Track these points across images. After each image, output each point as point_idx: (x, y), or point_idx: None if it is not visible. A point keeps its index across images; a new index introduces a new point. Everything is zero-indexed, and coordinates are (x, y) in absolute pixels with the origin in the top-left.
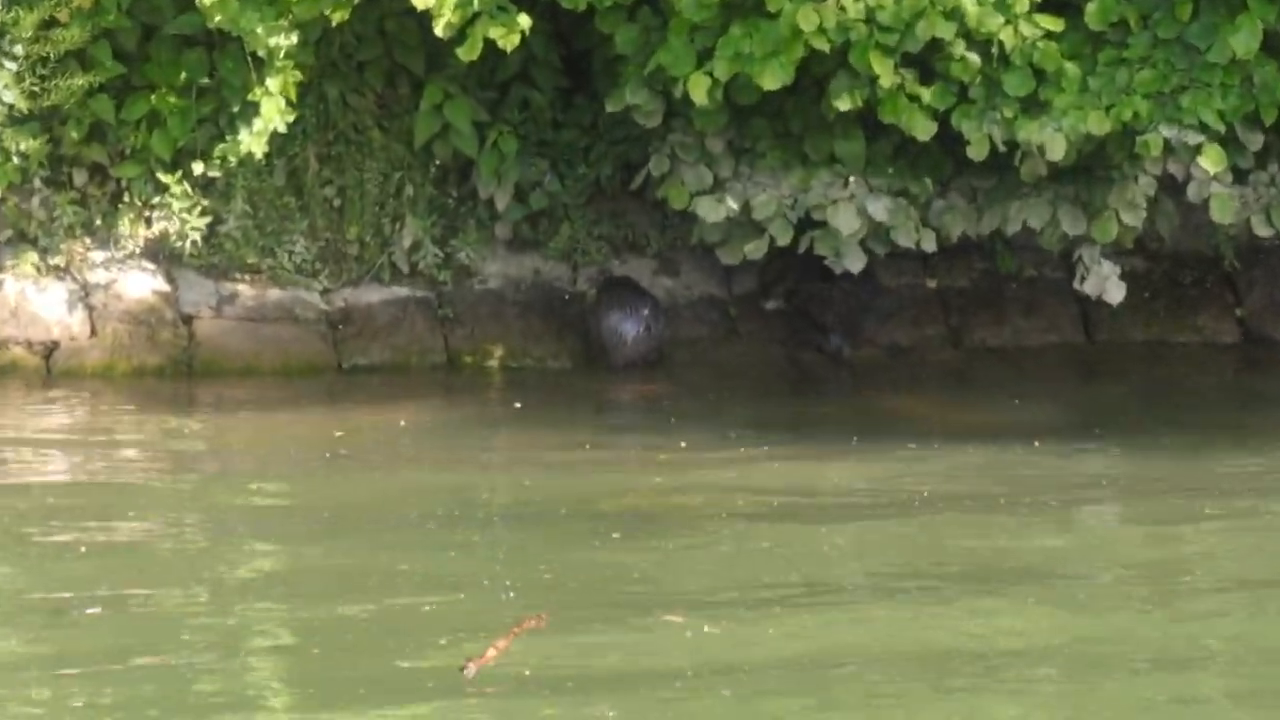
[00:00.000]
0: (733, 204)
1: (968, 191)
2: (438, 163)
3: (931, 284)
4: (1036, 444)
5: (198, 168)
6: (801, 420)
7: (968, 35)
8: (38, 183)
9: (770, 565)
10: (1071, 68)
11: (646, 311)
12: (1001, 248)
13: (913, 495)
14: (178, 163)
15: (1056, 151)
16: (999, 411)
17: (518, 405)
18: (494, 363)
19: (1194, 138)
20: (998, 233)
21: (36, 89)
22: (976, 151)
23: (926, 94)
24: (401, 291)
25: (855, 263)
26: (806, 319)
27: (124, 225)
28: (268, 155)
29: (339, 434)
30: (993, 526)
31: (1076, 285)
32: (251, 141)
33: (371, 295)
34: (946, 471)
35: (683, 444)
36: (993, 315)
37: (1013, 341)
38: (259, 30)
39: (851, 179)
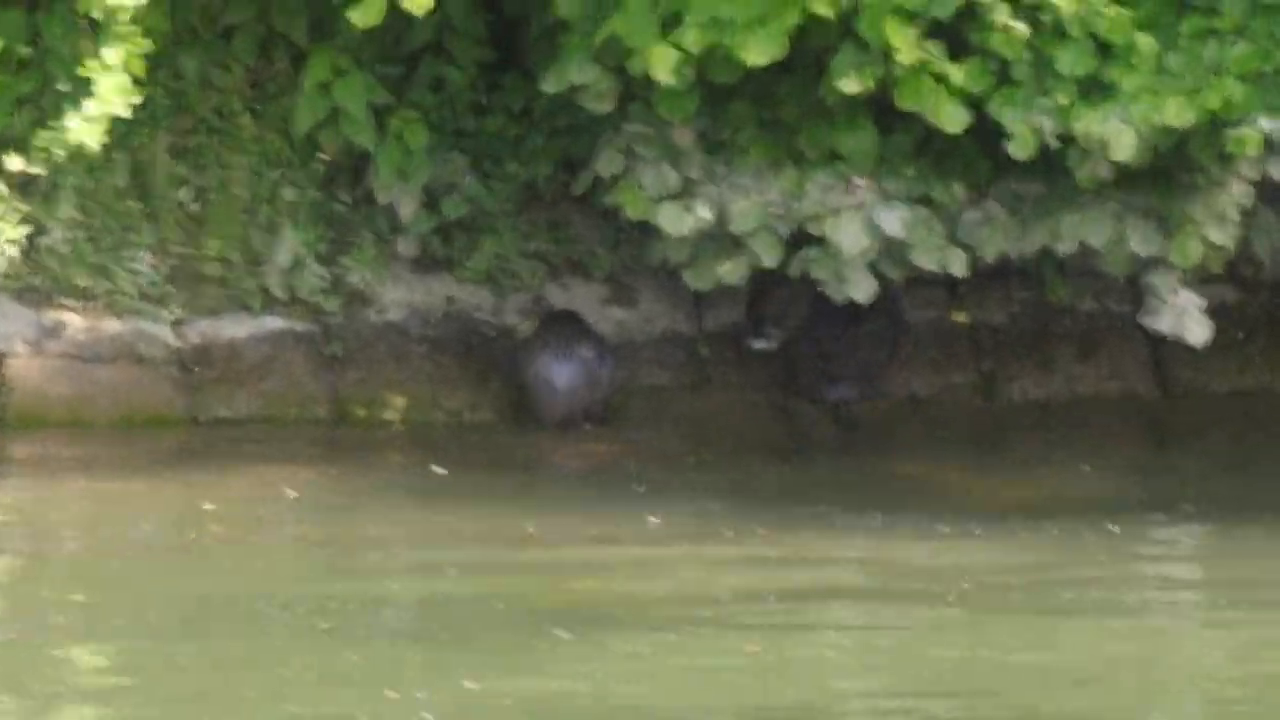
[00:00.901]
0: (705, 213)
1: (1009, 200)
2: (324, 158)
3: (961, 318)
4: (1110, 526)
5: (13, 163)
6: (799, 491)
7: None
8: None
9: (761, 683)
10: (1145, 41)
11: (590, 353)
12: (1051, 273)
13: (947, 591)
14: None
15: (1124, 149)
16: (1051, 483)
17: (440, 471)
18: (394, 416)
19: None
20: (1047, 253)
21: None
22: (1021, 148)
23: (957, 74)
24: (276, 324)
25: (862, 290)
26: (800, 363)
27: None
28: (105, 147)
29: (208, 506)
30: (1054, 634)
31: (1147, 322)
32: (84, 129)
33: (237, 328)
34: (991, 560)
35: (652, 519)
36: (1038, 359)
37: (1064, 393)
38: None
39: (859, 182)
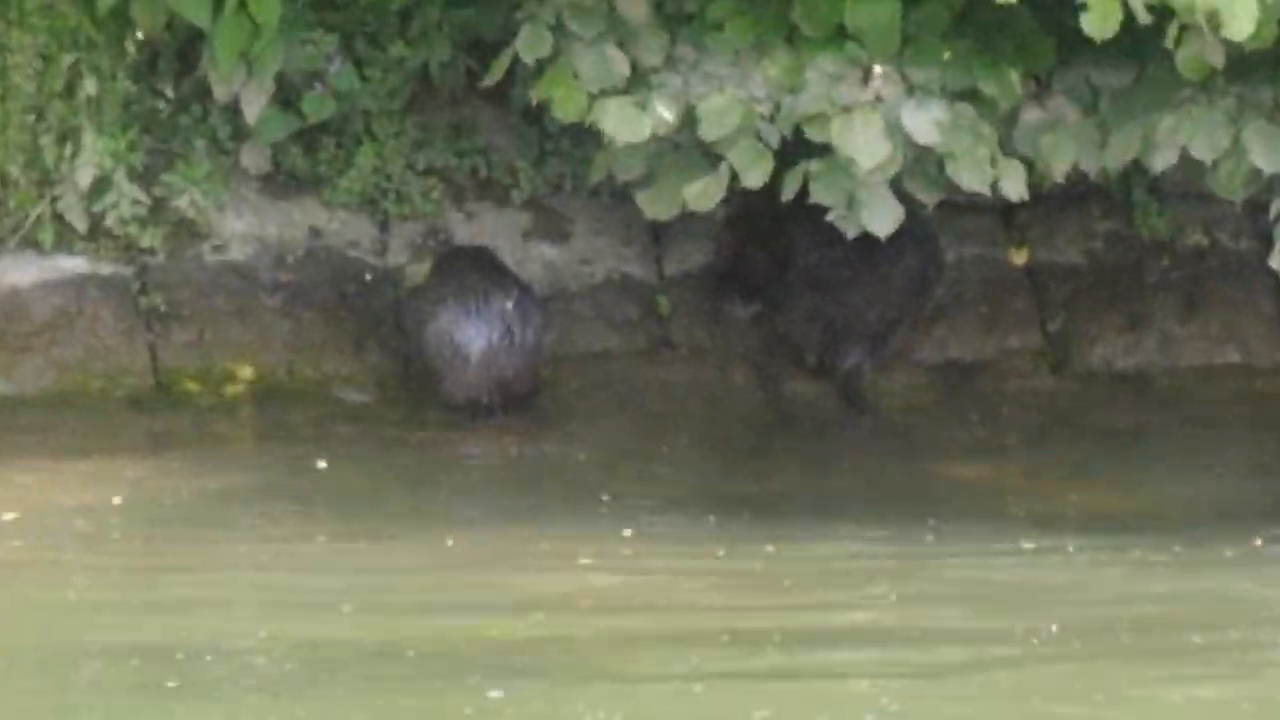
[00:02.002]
0: (665, 113)
1: (1083, 95)
2: (140, 38)
3: (1019, 259)
4: (1250, 542)
5: None
6: (808, 495)
7: None
8: None
9: None
10: None
11: (510, 306)
12: (1143, 196)
13: (1031, 632)
14: None
15: (1243, 23)
16: (1148, 485)
17: (321, 465)
18: (238, 392)
19: None
20: (1136, 169)
21: None
22: (1099, 24)
23: None
24: (74, 266)
25: (883, 219)
26: (797, 319)
27: None
28: None
29: (9, 516)
30: (1187, 689)
31: (1274, 264)
32: None
33: (20, 273)
34: (1097, 589)
35: (626, 533)
36: (1124, 315)
37: (1161, 361)
38: None
39: (877, 70)
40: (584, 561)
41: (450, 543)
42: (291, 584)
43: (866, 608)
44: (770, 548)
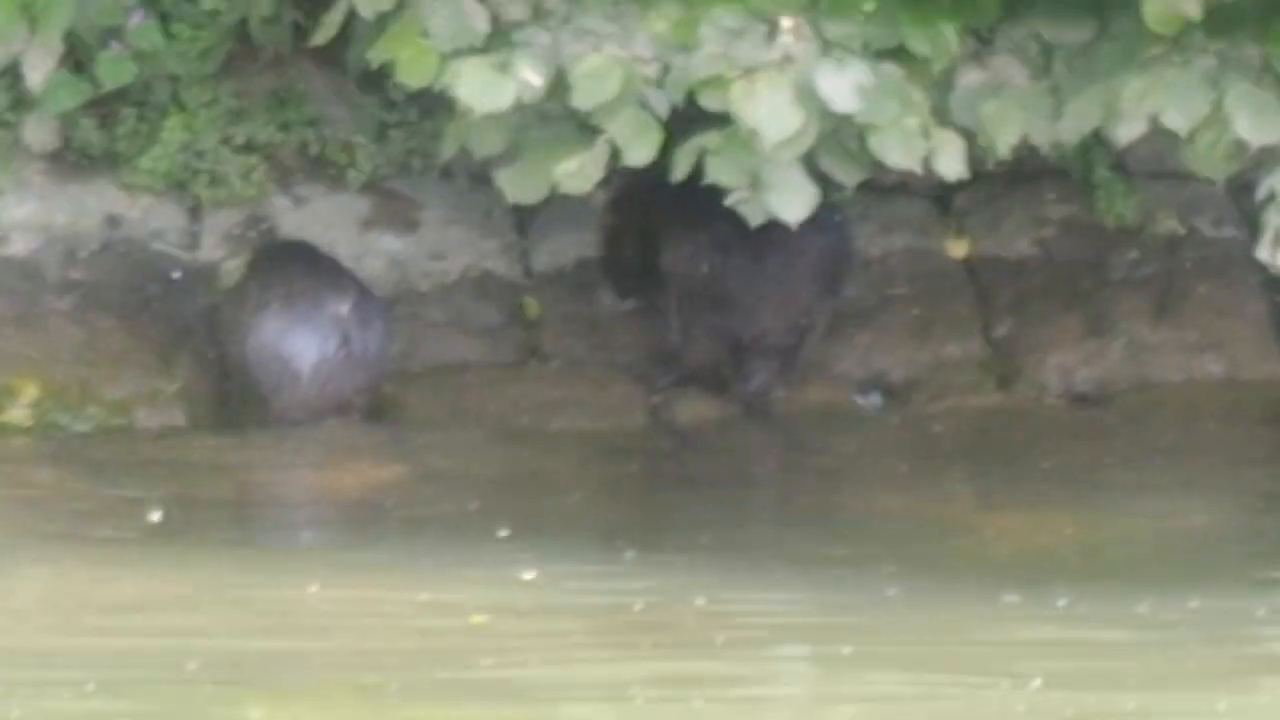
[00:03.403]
0: (531, 77)
1: (1034, 54)
2: None
3: (959, 251)
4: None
5: None
6: (726, 533)
7: None
8: None
9: None
10: None
11: (346, 310)
12: (1105, 175)
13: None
14: None
15: None
16: (1127, 522)
17: (154, 519)
18: (21, 417)
19: None
20: (1098, 141)
21: None
22: None
23: None
24: None
25: (795, 203)
26: (690, 327)
27: None
28: None
29: None
30: None
31: (1264, 256)
32: None
33: None
34: (1086, 654)
35: (527, 576)
36: (1087, 320)
37: (1128, 374)
38: None
39: (785, 23)
40: (467, 610)
41: (314, 589)
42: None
43: (823, 668)
44: (700, 600)
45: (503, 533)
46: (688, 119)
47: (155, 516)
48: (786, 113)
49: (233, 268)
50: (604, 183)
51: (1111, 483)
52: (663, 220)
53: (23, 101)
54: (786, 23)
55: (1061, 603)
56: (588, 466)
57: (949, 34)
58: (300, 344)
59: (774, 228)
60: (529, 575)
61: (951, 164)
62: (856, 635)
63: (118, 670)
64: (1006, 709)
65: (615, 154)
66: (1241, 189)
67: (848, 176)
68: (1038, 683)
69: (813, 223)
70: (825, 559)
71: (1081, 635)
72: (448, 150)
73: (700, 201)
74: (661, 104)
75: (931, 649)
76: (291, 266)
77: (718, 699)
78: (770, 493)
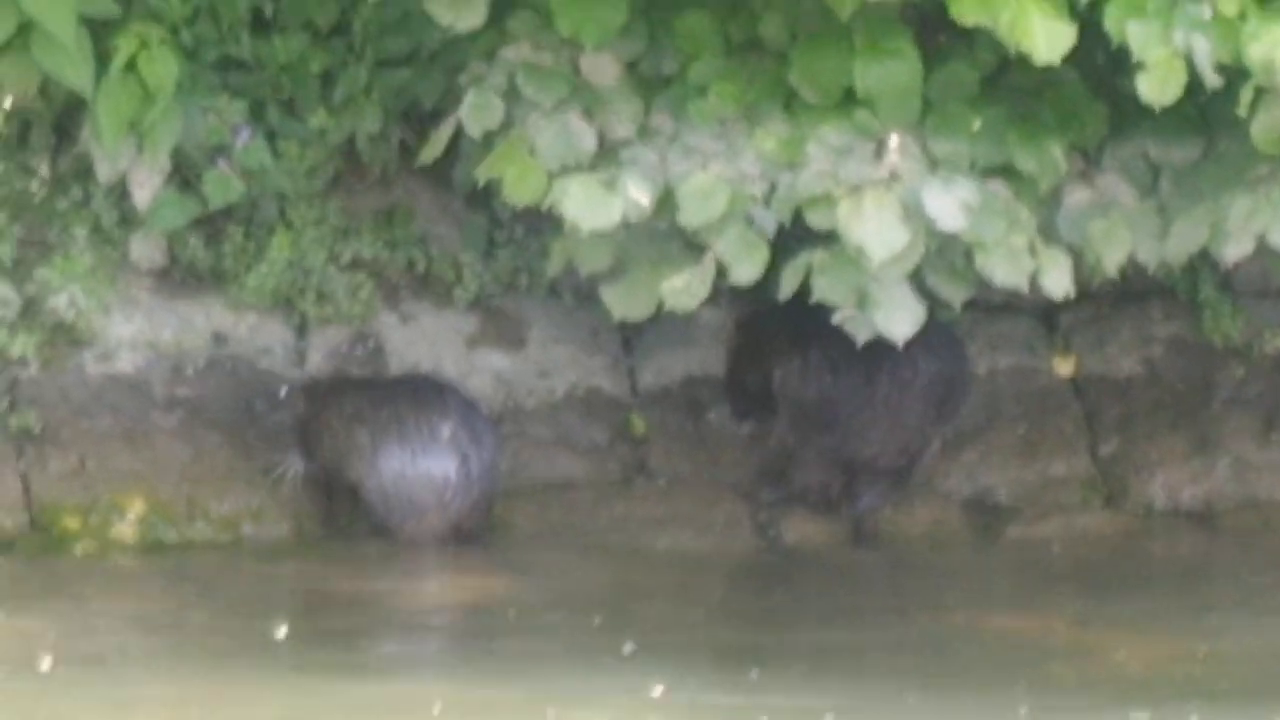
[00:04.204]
0: (638, 195)
1: (1141, 173)
2: (7, 106)
3: (1065, 369)
4: None
5: None
6: (846, 656)
7: None
8: None
9: None
10: None
11: (456, 429)
12: (1212, 293)
13: None
14: None
15: None
16: (1238, 639)
17: (279, 635)
18: (127, 533)
19: None
20: (1204, 261)
21: None
22: (1158, 89)
23: None
24: None
25: (902, 321)
26: (799, 447)
27: None
28: None
29: None
30: None
31: None
32: None
33: None
34: None
35: (657, 688)
36: (1190, 438)
37: (1234, 492)
38: None
39: (892, 141)
40: None
41: (437, 711)
42: None
43: None
44: (828, 716)
45: (628, 648)
46: (794, 237)
47: (280, 633)
48: (893, 230)
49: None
50: (711, 301)
51: (1222, 601)
52: (777, 339)
53: (130, 219)
54: (893, 141)
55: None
56: (697, 585)
57: (1056, 152)
58: (423, 474)
59: (887, 349)
60: (657, 691)
61: (1058, 282)
62: None
63: None
64: None
65: (721, 273)
66: None
67: (954, 295)
68: None
69: (926, 344)
70: (948, 680)
71: None
72: (554, 267)
73: (814, 321)
74: (768, 222)
75: None
76: (397, 393)
77: None
78: (883, 614)
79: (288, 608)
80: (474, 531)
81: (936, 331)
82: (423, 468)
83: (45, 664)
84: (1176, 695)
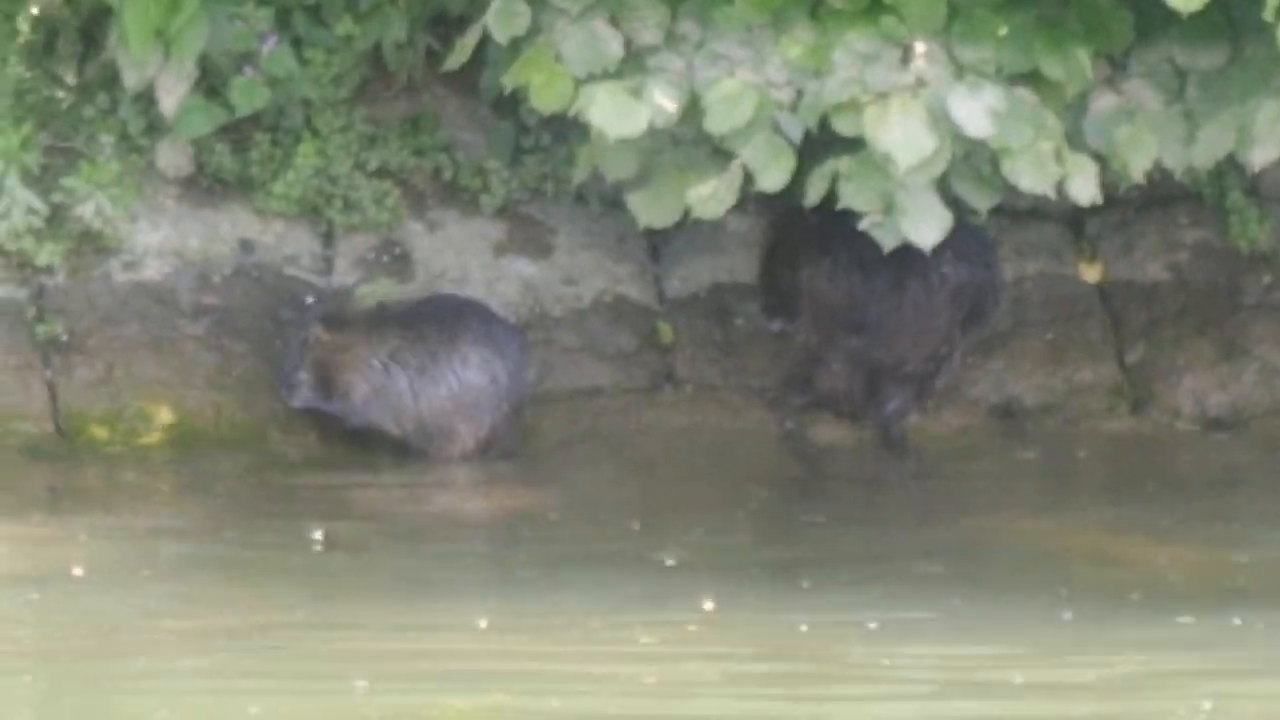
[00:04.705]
0: (664, 101)
1: (1167, 79)
2: (35, 13)
3: (1091, 276)
4: None
5: None
6: (880, 564)
7: None
8: None
9: None
10: None
11: (490, 355)
12: (1239, 199)
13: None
14: None
15: None
16: (1268, 547)
17: (317, 538)
18: (156, 439)
19: None
20: (1231, 167)
21: None
22: None
23: None
24: None
25: (929, 228)
26: (825, 353)
27: None
28: None
29: None
30: None
31: None
32: None
33: None
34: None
35: (707, 604)
36: (1218, 344)
37: (1261, 400)
38: None
39: (918, 48)
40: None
41: (484, 625)
42: (298, 670)
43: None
44: (873, 625)
45: (670, 560)
46: (821, 144)
47: (317, 536)
48: (920, 137)
49: (366, 294)
50: (739, 209)
51: (1251, 509)
52: (808, 240)
53: (156, 126)
54: (920, 47)
55: (1236, 621)
56: (728, 493)
57: (1082, 58)
58: (452, 402)
59: (917, 255)
60: (708, 605)
61: (1085, 189)
62: (1030, 661)
63: (290, 687)
64: None
65: (748, 179)
66: None
67: (981, 201)
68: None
69: (956, 252)
70: (988, 587)
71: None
72: (580, 174)
73: (845, 225)
74: (795, 129)
75: (1107, 671)
76: (418, 320)
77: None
78: (914, 521)
79: (318, 518)
80: (505, 445)
81: (968, 239)
82: (452, 395)
83: (78, 570)
84: (1217, 601)
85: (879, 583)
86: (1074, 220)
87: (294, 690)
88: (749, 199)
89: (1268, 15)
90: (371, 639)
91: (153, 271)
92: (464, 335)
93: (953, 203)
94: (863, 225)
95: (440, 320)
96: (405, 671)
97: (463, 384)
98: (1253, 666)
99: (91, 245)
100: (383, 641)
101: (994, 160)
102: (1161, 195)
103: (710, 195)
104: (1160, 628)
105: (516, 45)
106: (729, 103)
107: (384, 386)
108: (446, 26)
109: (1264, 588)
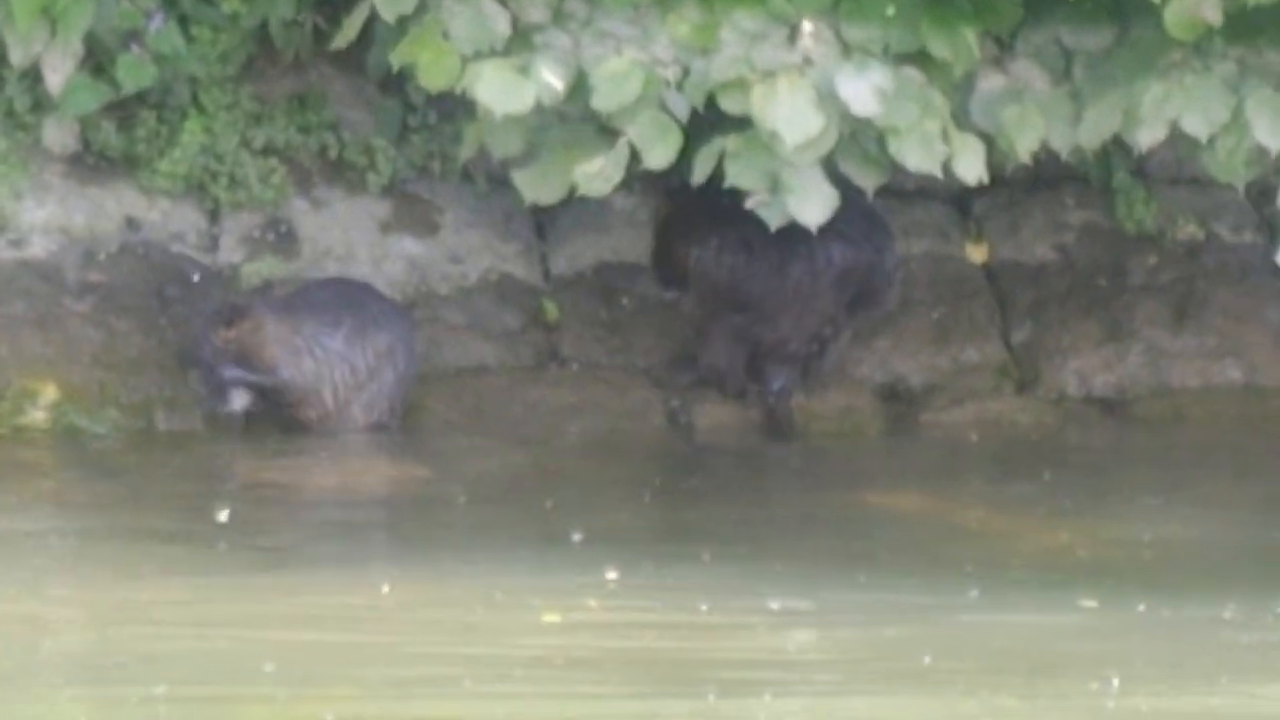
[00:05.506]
0: (551, 79)
1: (1054, 59)
2: None
3: (977, 256)
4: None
5: None
6: (769, 540)
7: None
8: None
9: None
10: None
11: (384, 334)
12: (1125, 180)
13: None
14: None
15: None
16: (1147, 528)
17: (221, 519)
18: (38, 419)
19: None
20: (1117, 147)
21: None
22: None
23: None
24: None
25: (815, 206)
26: (711, 329)
27: None
28: None
29: None
30: None
31: None
32: None
33: None
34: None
35: (609, 574)
36: (1105, 326)
37: (1146, 380)
38: None
39: (806, 27)
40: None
41: (386, 590)
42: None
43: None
44: (774, 604)
45: (576, 536)
46: (709, 123)
47: (223, 516)
48: (807, 115)
49: (240, 270)
50: (626, 187)
51: (1138, 490)
52: (698, 217)
53: (42, 104)
54: (807, 26)
55: (1140, 606)
56: (616, 470)
57: (969, 38)
58: (328, 369)
59: (805, 235)
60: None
61: (971, 168)
62: (935, 643)
63: (193, 671)
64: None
65: (636, 158)
66: (1261, 194)
67: (867, 180)
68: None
69: (845, 233)
70: (893, 561)
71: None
72: (466, 152)
73: (736, 204)
74: (682, 107)
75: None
76: (308, 294)
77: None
78: (801, 498)
79: (210, 494)
80: (383, 421)
81: (859, 220)
82: (357, 374)
83: None
84: (1117, 582)
85: (781, 556)
86: (961, 200)
87: (192, 669)
88: (636, 178)
89: None
90: (275, 611)
91: (38, 249)
92: (366, 316)
93: (843, 184)
94: (749, 204)
95: (342, 302)
96: (314, 628)
97: (368, 364)
98: (1156, 648)
99: None
100: (285, 610)
101: (881, 140)
102: (1048, 176)
103: (597, 173)
104: (1061, 608)
105: (403, 24)
106: (615, 80)
107: (306, 361)
108: (333, 5)
109: (1165, 565)
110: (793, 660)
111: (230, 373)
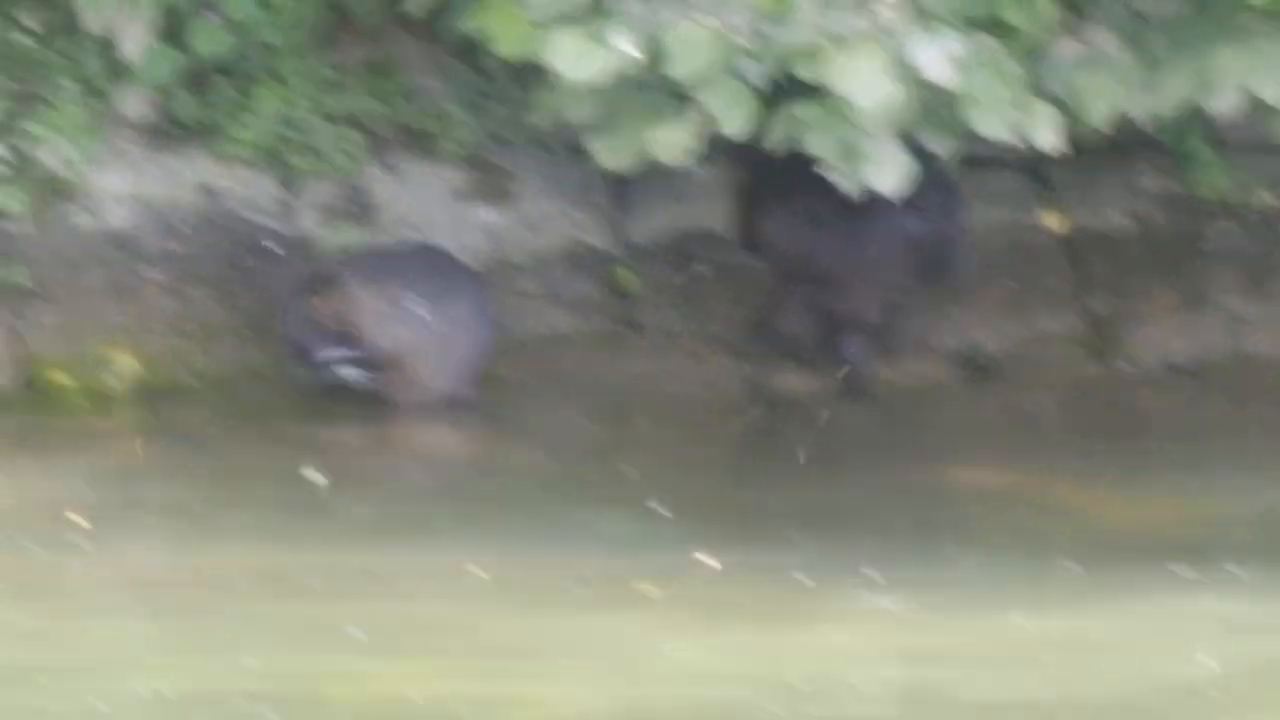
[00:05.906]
0: (626, 46)
1: (1129, 25)
2: None
3: (1054, 224)
4: None
5: None
6: (845, 515)
7: None
8: None
9: None
10: None
11: (465, 301)
12: (1201, 148)
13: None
14: None
15: None
16: (1227, 497)
17: (316, 477)
18: (118, 385)
19: None
20: (1194, 114)
21: None
22: None
23: None
24: None
25: (890, 174)
26: (786, 299)
27: None
28: None
29: None
30: None
31: None
32: None
33: None
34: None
35: (705, 560)
36: (1180, 293)
37: (1225, 348)
38: None
39: None
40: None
41: (487, 576)
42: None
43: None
44: (870, 570)
45: (661, 509)
46: (788, 91)
47: (317, 478)
48: (881, 83)
49: (328, 240)
50: (702, 156)
51: (1220, 460)
52: (772, 187)
53: (118, 71)
54: None
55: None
56: (693, 442)
57: (1044, 5)
58: (416, 337)
59: (874, 204)
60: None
61: (1047, 136)
62: (1027, 604)
63: (281, 641)
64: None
65: (709, 122)
66: None
67: (943, 148)
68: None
69: (919, 203)
70: (979, 535)
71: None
72: (541, 119)
73: (811, 172)
74: (758, 74)
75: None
76: (388, 265)
77: None
78: (881, 470)
79: (292, 463)
80: (467, 397)
81: (931, 190)
82: (411, 337)
83: (76, 518)
84: (1200, 552)
85: (867, 530)
86: (1037, 169)
87: (284, 639)
88: (715, 146)
89: None
90: (369, 576)
91: (114, 218)
92: (448, 283)
93: (919, 153)
94: (824, 172)
95: (426, 268)
96: (404, 597)
97: (452, 331)
98: (1252, 620)
99: (53, 191)
100: (383, 577)
101: (957, 107)
102: (1125, 144)
103: (672, 141)
104: (1151, 574)
105: None
106: (690, 47)
107: (396, 328)
108: None
109: (1247, 535)
110: (906, 642)
111: (323, 353)
